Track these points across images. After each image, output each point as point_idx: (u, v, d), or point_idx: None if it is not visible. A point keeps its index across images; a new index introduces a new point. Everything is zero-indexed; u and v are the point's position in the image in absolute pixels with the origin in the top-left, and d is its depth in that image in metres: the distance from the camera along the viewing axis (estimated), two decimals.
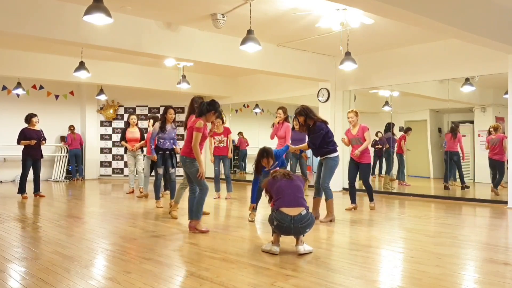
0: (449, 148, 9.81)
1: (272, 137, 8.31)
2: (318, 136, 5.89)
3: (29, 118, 8.70)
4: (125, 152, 9.27)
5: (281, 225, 4.15)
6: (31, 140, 8.51)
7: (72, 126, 12.65)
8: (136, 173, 9.24)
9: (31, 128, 8.68)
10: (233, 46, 7.72)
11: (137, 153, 9.21)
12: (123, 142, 9.19)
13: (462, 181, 9.79)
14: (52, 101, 12.97)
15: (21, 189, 8.57)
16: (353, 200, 7.20)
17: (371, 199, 7.29)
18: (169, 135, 7.22)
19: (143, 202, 8.12)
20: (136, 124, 9.30)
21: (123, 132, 9.26)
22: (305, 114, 5.96)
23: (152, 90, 12.09)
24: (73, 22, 6.47)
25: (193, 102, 6.05)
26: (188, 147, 5.26)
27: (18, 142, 8.60)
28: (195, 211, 5.27)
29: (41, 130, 8.82)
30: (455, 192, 9.63)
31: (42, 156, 8.82)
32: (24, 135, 8.55)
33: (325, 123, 6.05)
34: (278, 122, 8.16)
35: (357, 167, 7.21)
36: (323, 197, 6.07)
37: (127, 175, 9.78)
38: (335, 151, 6.03)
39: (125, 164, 13.63)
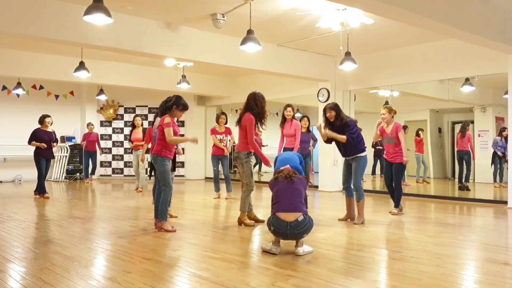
0: (460, 148, 9.87)
1: (282, 139, 7.90)
2: (355, 132, 5.86)
3: (42, 119, 8.68)
4: (131, 152, 9.56)
5: (278, 231, 4.15)
6: (41, 144, 8.47)
7: (91, 123, 12.30)
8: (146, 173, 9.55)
9: (43, 129, 8.64)
10: (233, 46, 7.72)
11: (138, 153, 9.44)
12: (130, 143, 9.70)
13: (467, 180, 9.72)
14: (52, 101, 12.97)
15: (41, 189, 8.50)
16: (397, 203, 6.69)
17: (397, 205, 6.67)
18: None
19: (143, 202, 8.12)
20: (142, 125, 9.85)
21: (130, 133, 9.79)
22: (337, 110, 5.93)
23: (152, 90, 12.10)
24: (73, 22, 6.47)
25: (249, 99, 5.73)
26: (159, 145, 5.31)
27: (29, 142, 8.55)
28: (160, 211, 5.30)
29: (54, 132, 8.81)
30: (454, 192, 9.62)
31: (53, 157, 8.80)
32: (35, 136, 8.52)
33: (355, 121, 6.00)
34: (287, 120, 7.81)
35: (391, 167, 6.71)
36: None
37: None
38: (364, 150, 5.98)
39: (125, 164, 13.65)
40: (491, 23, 6.44)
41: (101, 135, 13.58)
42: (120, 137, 13.69)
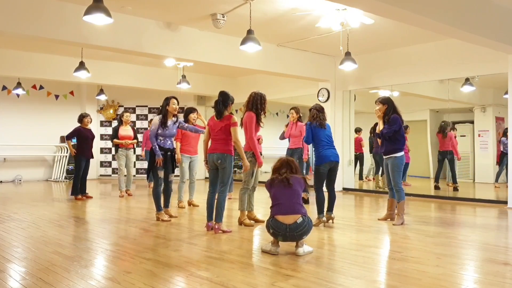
0: (441, 148, 9.87)
1: (287, 136, 8.19)
2: (395, 128, 5.79)
3: (81, 118, 8.61)
4: (116, 152, 8.97)
5: (277, 233, 4.14)
6: (72, 149, 8.54)
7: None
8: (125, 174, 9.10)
9: (84, 127, 8.58)
10: (233, 46, 7.72)
11: (129, 152, 9.07)
12: (115, 141, 8.88)
13: (454, 181, 9.76)
14: (52, 101, 12.98)
15: (76, 191, 8.40)
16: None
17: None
18: (170, 132, 6.14)
19: (144, 202, 8.11)
20: (129, 123, 9.14)
21: (116, 130, 9.00)
22: (387, 103, 5.88)
23: (152, 90, 12.09)
24: (73, 22, 6.47)
25: (251, 99, 5.75)
26: (229, 144, 5.27)
27: (68, 138, 8.51)
28: (220, 213, 5.26)
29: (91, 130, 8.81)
30: (451, 191, 9.62)
31: (93, 156, 8.75)
32: (77, 133, 8.48)
33: (401, 118, 5.93)
34: (292, 122, 8.10)
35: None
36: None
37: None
38: (401, 150, 5.87)
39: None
40: (491, 23, 6.44)
41: (101, 135, 13.58)
42: None
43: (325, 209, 5.78)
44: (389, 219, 6.06)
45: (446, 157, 9.78)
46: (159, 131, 6.02)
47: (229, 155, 5.26)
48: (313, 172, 5.96)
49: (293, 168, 4.47)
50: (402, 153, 5.89)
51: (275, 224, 4.14)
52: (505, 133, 9.97)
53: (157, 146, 5.98)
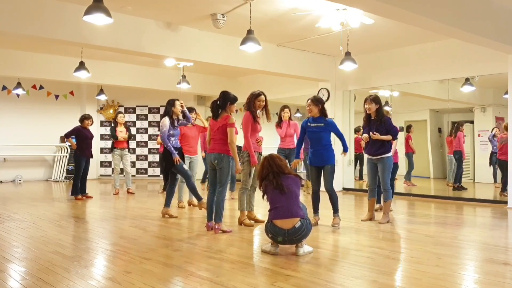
0: (455, 148, 9.91)
1: (282, 136, 8.21)
2: (395, 129, 5.91)
3: (82, 119, 8.63)
4: (111, 152, 9.13)
5: (275, 238, 4.13)
6: (74, 144, 8.56)
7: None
8: (122, 173, 9.16)
9: (84, 127, 8.60)
10: (233, 46, 7.72)
11: (124, 152, 9.17)
12: (116, 139, 9.05)
13: (455, 181, 9.75)
14: (52, 101, 12.97)
15: (76, 191, 8.39)
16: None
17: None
18: (177, 131, 6.38)
19: (143, 203, 8.11)
20: (123, 123, 9.30)
21: (114, 130, 9.13)
22: (379, 104, 5.92)
23: (152, 90, 12.09)
24: (73, 22, 6.47)
25: (249, 99, 5.83)
26: (226, 144, 5.23)
27: (66, 136, 8.59)
28: (219, 213, 5.25)
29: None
30: (451, 191, 9.62)
31: (92, 156, 8.77)
32: (77, 132, 8.51)
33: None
34: (287, 121, 8.14)
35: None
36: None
37: (123, 175, 9.46)
38: (390, 151, 5.94)
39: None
40: (491, 23, 6.44)
41: (101, 135, 13.56)
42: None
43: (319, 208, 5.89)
44: (372, 219, 6.09)
45: (455, 156, 9.80)
46: (171, 131, 6.19)
47: (226, 155, 5.23)
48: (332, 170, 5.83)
49: (274, 167, 4.36)
50: (391, 153, 5.99)
51: (274, 229, 4.12)
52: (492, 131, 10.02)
53: (171, 147, 6.12)
